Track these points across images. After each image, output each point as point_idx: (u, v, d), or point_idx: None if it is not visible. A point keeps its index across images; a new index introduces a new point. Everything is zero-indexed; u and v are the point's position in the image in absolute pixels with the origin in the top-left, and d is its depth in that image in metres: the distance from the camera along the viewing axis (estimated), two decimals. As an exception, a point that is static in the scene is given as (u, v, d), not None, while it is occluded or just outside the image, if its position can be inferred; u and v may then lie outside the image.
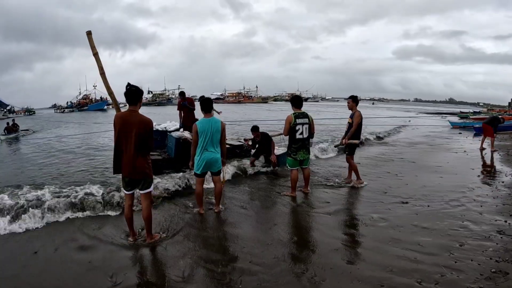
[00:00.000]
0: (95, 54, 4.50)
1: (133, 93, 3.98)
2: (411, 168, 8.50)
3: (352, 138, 6.70)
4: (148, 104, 77.13)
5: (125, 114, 3.99)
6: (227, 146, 9.13)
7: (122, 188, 4.24)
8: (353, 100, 6.81)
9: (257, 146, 8.53)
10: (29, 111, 63.06)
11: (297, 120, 5.87)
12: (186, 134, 7.88)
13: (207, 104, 5.24)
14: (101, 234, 4.55)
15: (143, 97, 4.20)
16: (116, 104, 4.57)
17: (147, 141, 3.97)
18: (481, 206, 5.40)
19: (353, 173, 6.97)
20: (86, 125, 26.81)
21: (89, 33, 4.47)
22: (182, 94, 10.32)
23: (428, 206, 5.46)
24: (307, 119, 5.94)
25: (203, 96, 5.77)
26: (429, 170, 8.27)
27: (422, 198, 5.86)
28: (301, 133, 5.90)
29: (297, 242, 4.27)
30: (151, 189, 4.19)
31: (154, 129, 8.54)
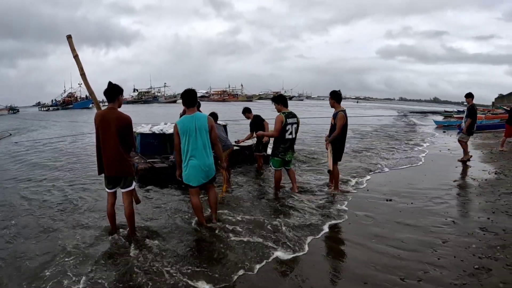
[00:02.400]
0: (75, 56, 4.56)
1: (110, 90, 3.99)
2: (393, 166, 8.55)
3: (335, 143, 5.98)
4: (134, 102, 76.40)
5: (104, 112, 3.99)
6: (236, 148, 8.36)
7: (104, 187, 4.21)
8: (332, 97, 6.05)
9: (257, 138, 7.96)
10: (13, 110, 61.78)
11: (287, 120, 5.71)
12: None
13: (189, 96, 4.32)
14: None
15: (129, 95, 4.20)
16: (96, 103, 4.54)
17: (125, 138, 3.97)
18: (464, 203, 5.46)
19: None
20: (71, 125, 26.34)
21: (69, 37, 4.53)
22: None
23: (412, 203, 5.49)
24: (295, 118, 5.82)
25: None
26: (412, 167, 8.33)
27: (406, 196, 5.89)
28: (290, 133, 5.76)
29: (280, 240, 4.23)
30: (132, 187, 4.16)
31: (149, 132, 8.27)
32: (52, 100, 73.81)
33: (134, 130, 7.65)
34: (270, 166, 6.12)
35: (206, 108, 9.56)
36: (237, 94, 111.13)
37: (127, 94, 77.06)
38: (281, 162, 5.88)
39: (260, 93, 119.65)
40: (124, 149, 4.00)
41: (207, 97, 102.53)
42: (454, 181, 6.86)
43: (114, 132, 3.88)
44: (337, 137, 5.97)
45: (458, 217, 4.85)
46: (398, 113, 39.81)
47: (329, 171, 5.98)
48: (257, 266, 3.54)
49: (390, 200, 5.64)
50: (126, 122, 3.97)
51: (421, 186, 6.50)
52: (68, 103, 69.31)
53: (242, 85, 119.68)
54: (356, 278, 3.28)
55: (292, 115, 5.79)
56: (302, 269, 3.52)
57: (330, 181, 6.50)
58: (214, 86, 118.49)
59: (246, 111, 8.13)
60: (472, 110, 8.68)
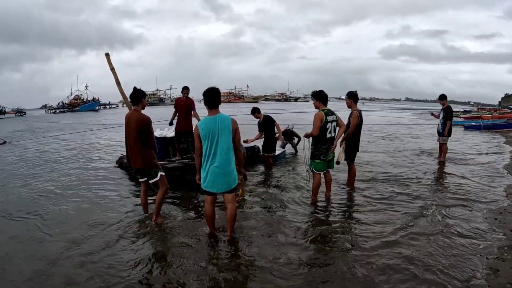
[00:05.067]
0: (112, 69, 5.22)
1: (135, 94, 4.59)
2: (403, 162, 8.54)
3: (349, 142, 6.14)
4: (141, 104, 76.52)
5: (129, 113, 4.65)
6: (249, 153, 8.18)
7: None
8: (349, 97, 6.18)
9: (264, 135, 8.04)
10: (20, 112, 62.37)
11: (327, 117, 5.36)
12: None
13: (212, 96, 3.96)
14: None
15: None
16: (128, 105, 4.97)
17: (144, 136, 4.50)
18: (472, 202, 5.46)
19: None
20: (78, 127, 26.31)
21: (107, 55, 5.28)
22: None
23: (420, 205, 5.48)
24: (335, 116, 5.50)
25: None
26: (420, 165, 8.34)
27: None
28: (330, 132, 5.44)
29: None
30: (158, 178, 4.65)
31: None
32: (58, 103, 74.16)
33: None
34: (311, 170, 5.65)
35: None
36: (243, 96, 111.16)
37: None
38: (324, 164, 5.54)
39: (266, 94, 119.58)
40: (144, 145, 4.52)
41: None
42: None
43: (134, 131, 4.47)
44: (351, 135, 6.05)
45: (465, 217, 4.85)
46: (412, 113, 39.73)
47: (337, 162, 5.90)
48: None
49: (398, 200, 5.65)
50: (145, 122, 4.50)
51: (427, 185, 6.50)
52: (75, 105, 69.77)
53: (248, 87, 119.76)
54: (371, 280, 3.32)
55: (331, 112, 5.47)
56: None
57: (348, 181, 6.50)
58: (219, 88, 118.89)
59: (255, 111, 8.10)
60: (449, 112, 8.79)
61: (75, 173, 8.29)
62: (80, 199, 6.07)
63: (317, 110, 5.48)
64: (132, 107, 4.67)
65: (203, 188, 4.03)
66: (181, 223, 4.83)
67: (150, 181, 4.70)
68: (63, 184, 7.16)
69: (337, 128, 5.59)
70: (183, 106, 7.75)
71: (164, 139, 8.12)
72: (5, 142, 15.68)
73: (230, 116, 4.00)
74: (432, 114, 8.80)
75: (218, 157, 3.85)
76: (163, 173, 4.73)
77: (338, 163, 5.94)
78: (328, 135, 5.42)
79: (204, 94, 3.97)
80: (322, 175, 5.68)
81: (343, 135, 5.97)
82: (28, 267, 3.65)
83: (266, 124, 7.98)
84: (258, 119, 8.13)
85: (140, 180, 4.84)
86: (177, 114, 7.86)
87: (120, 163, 8.57)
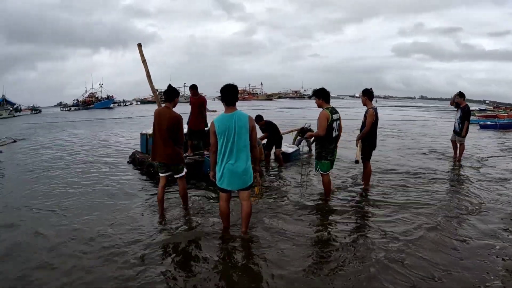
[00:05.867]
0: (144, 61, 5.35)
1: (169, 92, 4.82)
2: (418, 161, 8.45)
3: (365, 140, 5.98)
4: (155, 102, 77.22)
5: (160, 110, 4.83)
6: None
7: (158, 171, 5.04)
8: (365, 94, 6.01)
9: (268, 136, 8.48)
10: (35, 110, 63.38)
11: (333, 116, 5.19)
12: None
13: (229, 93, 3.91)
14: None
15: (149, 95, 4.77)
16: (158, 101, 5.19)
17: (175, 133, 4.71)
18: (487, 204, 5.38)
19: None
20: (92, 124, 26.54)
21: (139, 45, 5.42)
22: None
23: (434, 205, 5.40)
24: (338, 114, 5.39)
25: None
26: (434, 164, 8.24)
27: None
28: (335, 131, 5.30)
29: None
30: (183, 173, 4.94)
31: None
32: (73, 100, 75.09)
33: (145, 132, 8.22)
34: (318, 170, 5.54)
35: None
36: (256, 93, 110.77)
37: (148, 94, 77.98)
38: (329, 164, 5.42)
39: (280, 92, 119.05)
40: (174, 142, 4.74)
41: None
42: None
43: (165, 127, 4.65)
44: (367, 134, 5.93)
45: (481, 218, 4.78)
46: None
47: (356, 161, 5.83)
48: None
49: (414, 202, 5.59)
50: (176, 120, 4.70)
51: (442, 186, 6.41)
52: (89, 103, 70.53)
53: (262, 84, 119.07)
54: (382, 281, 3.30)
55: (335, 110, 5.34)
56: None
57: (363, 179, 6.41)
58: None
59: (259, 119, 8.17)
60: (467, 112, 8.55)
61: (87, 169, 8.43)
62: (92, 195, 6.18)
63: (321, 109, 5.33)
64: (163, 104, 4.90)
65: (219, 185, 4.00)
66: (193, 218, 4.89)
67: (176, 176, 4.90)
68: (74, 181, 7.27)
69: (341, 125, 5.51)
70: (195, 104, 7.77)
71: None
72: (15, 141, 15.08)
73: (247, 114, 3.94)
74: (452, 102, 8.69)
75: (235, 155, 3.82)
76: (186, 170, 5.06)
77: (357, 162, 5.84)
78: (334, 134, 5.31)
79: (221, 91, 3.93)
80: None
81: (349, 137, 5.88)
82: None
83: (269, 128, 8.42)
84: (263, 126, 8.41)
85: (162, 174, 4.93)
86: (190, 112, 7.90)
87: (132, 159, 8.67)
